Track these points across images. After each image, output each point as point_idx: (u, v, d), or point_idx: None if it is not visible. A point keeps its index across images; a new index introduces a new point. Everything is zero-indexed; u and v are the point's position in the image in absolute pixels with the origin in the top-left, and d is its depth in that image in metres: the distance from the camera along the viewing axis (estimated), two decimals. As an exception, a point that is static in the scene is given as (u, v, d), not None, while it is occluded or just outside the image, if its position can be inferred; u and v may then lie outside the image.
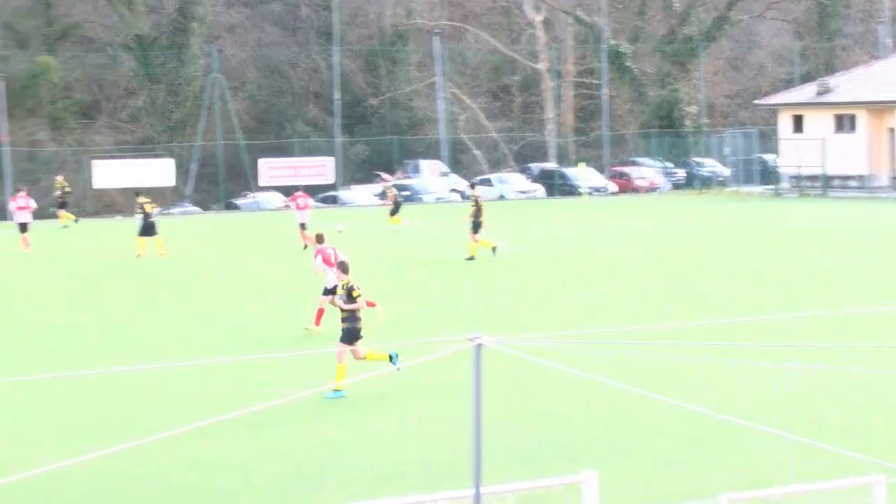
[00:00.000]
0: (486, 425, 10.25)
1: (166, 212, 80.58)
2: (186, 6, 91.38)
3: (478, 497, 10.24)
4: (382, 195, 61.10)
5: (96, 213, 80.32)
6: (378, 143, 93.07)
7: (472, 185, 48.11)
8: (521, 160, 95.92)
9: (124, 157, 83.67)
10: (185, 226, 67.33)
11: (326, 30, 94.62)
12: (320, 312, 28.74)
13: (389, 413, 20.73)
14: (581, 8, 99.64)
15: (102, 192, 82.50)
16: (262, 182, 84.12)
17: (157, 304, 35.06)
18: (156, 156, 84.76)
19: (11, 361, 26.54)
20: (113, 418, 20.81)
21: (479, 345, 10.02)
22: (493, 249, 43.56)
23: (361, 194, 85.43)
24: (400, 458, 17.92)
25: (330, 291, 27.49)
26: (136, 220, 49.24)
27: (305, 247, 47.21)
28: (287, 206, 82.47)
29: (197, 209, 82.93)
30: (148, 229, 47.99)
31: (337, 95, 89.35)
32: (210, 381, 23.66)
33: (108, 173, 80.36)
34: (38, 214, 66.53)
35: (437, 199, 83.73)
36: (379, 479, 16.74)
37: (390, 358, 22.06)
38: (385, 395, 21.66)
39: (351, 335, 21.87)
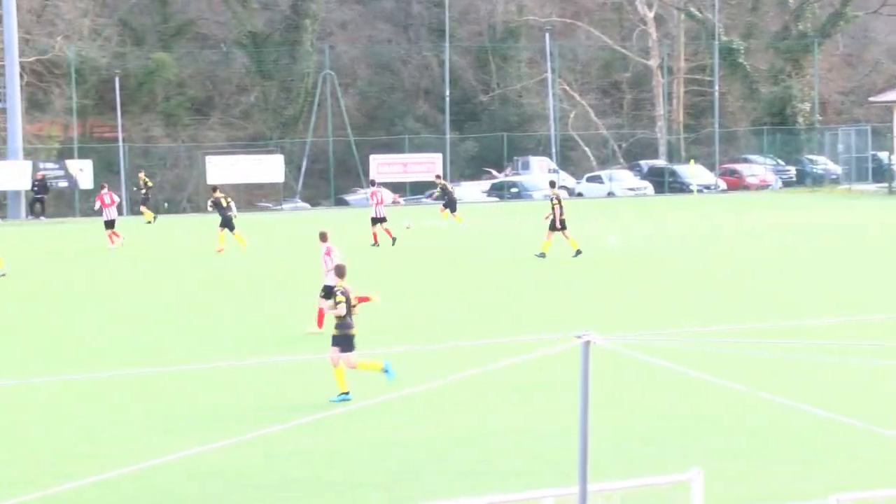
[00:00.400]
0: (591, 422, 10.26)
1: (277, 207, 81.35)
2: (299, 3, 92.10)
3: (584, 494, 10.24)
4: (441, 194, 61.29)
5: (209, 209, 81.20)
6: (487, 140, 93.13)
7: (552, 184, 47.89)
8: (631, 157, 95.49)
9: (236, 154, 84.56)
10: (294, 221, 67.86)
11: (438, 27, 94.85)
12: (321, 313, 27.54)
13: (493, 410, 20.76)
14: (693, 4, 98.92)
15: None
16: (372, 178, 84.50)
17: (241, 299, 35.40)
18: (268, 152, 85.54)
19: (90, 357, 26.94)
20: (206, 413, 21.07)
21: (588, 342, 10.03)
22: (543, 255, 43.24)
23: (470, 191, 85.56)
24: (504, 455, 17.95)
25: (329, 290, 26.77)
26: (212, 213, 49.39)
27: (394, 242, 48.23)
28: (395, 203, 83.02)
29: (306, 205, 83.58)
30: (228, 222, 48.30)
31: (447, 92, 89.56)
32: (288, 377, 23.85)
33: (221, 169, 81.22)
34: (151, 209, 67.56)
35: (545, 195, 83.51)
36: (483, 475, 16.79)
37: (385, 370, 21.52)
38: (488, 392, 21.67)
39: (340, 341, 21.38)
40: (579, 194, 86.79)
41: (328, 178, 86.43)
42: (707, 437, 18.74)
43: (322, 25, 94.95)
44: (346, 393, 21.38)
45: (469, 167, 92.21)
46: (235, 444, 16.07)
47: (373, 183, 52.96)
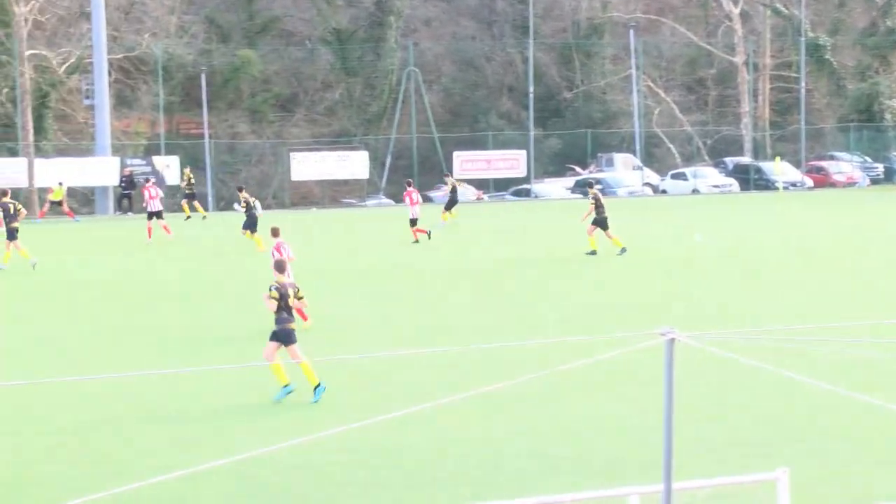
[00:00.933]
0: (675, 420, 10.24)
1: (361, 204, 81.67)
2: (383, 0, 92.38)
3: (668, 492, 10.23)
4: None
5: (294, 205, 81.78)
6: (571, 137, 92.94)
7: (590, 185, 47.97)
8: (716, 154, 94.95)
9: (321, 150, 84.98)
10: (376, 217, 68.04)
11: (522, 23, 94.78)
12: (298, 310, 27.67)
13: (576, 407, 20.74)
14: (779, 0, 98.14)
15: (300, 183, 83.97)
16: (455, 175, 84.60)
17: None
18: (352, 148, 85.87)
19: (173, 351, 27.17)
20: (289, 409, 21.21)
21: (672, 339, 10.00)
22: (623, 250, 43.20)
23: (554, 188, 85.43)
24: (588, 452, 17.93)
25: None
26: (240, 212, 49.69)
27: (416, 241, 48.83)
28: (479, 199, 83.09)
29: (390, 201, 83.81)
30: (253, 223, 48.23)
31: (531, 89, 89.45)
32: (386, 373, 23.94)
33: (306, 165, 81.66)
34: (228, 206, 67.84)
35: (630, 192, 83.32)
36: (566, 472, 16.78)
37: (315, 388, 21.41)
38: (572, 388, 21.66)
39: (278, 336, 21.50)
40: (663, 191, 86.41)
41: (412, 175, 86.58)
42: (793, 435, 18.60)
43: (406, 22, 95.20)
44: (287, 385, 21.44)
45: (553, 164, 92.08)
46: (320, 439, 16.17)
47: (409, 184, 53.29)
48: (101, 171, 76.41)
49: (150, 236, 51.73)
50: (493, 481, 16.58)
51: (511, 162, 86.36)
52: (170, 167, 78.32)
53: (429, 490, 16.41)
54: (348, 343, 27.42)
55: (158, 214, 52.73)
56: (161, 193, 54.99)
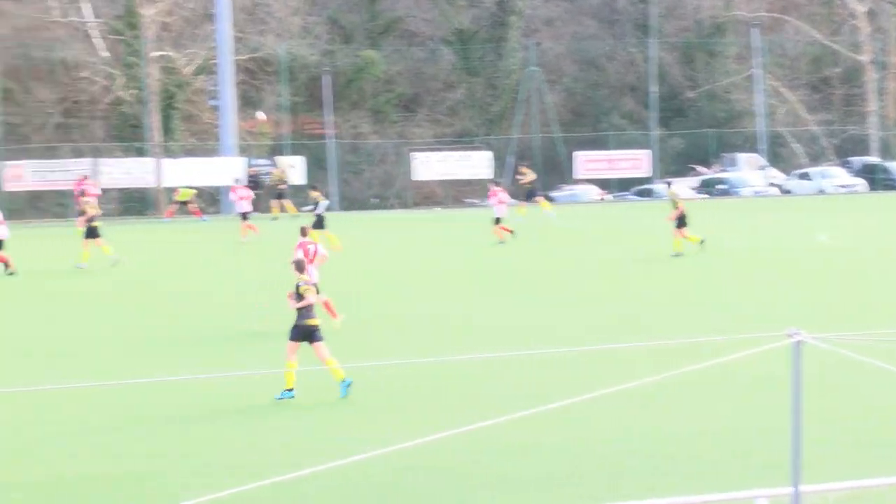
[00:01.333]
0: (803, 422, 10.15)
1: (483, 203, 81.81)
2: (505, 0, 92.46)
3: (797, 495, 10.16)
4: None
5: (416, 205, 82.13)
6: (694, 136, 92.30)
7: (669, 185, 48.04)
8: (842, 154, 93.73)
9: (443, 150, 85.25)
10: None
11: (643, 22, 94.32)
12: (326, 305, 27.83)
13: (702, 408, 20.61)
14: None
15: (422, 183, 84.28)
16: (577, 175, 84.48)
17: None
18: (473, 148, 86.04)
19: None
20: (412, 408, 21.30)
21: (799, 341, 9.93)
22: (701, 242, 43.17)
23: (677, 188, 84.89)
24: (713, 453, 17.81)
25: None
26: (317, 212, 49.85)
27: (502, 241, 48.87)
28: (601, 199, 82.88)
29: (514, 201, 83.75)
30: (320, 222, 48.05)
31: (653, 88, 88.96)
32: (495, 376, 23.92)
33: (428, 165, 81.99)
34: (359, 206, 68.38)
35: (755, 192, 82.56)
36: (692, 475, 16.70)
37: (342, 382, 21.43)
38: (698, 389, 21.51)
39: (301, 332, 21.54)
40: (787, 191, 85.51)
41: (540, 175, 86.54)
42: (923, 440, 18.34)
43: (527, 22, 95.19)
44: (291, 390, 21.47)
45: (675, 163, 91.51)
46: (442, 438, 16.22)
47: (496, 183, 53.48)
48: (227, 171, 77.28)
49: (244, 235, 52.62)
50: (618, 482, 16.55)
51: (633, 162, 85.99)
52: (294, 167, 79.03)
53: (557, 489, 16.41)
54: (467, 343, 27.45)
55: (245, 216, 54.01)
56: (251, 194, 56.54)
